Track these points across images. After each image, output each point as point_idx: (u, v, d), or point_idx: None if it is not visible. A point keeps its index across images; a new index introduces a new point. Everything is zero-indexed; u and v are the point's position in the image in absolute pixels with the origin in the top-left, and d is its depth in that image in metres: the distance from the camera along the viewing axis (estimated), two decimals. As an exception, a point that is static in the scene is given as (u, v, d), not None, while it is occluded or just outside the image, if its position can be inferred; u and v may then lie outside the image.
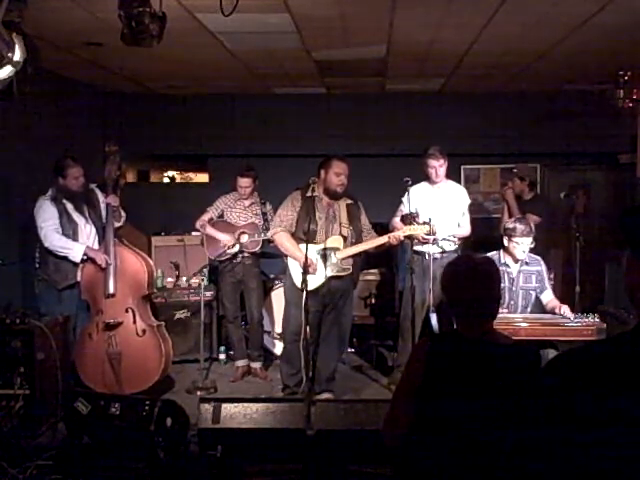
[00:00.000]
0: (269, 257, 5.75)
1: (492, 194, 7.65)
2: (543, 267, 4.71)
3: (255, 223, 5.53)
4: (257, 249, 5.50)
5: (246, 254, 5.53)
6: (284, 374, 4.94)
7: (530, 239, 4.59)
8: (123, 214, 5.16)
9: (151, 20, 3.22)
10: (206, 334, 5.83)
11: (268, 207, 5.58)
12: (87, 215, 5.05)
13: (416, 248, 5.10)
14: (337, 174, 4.69)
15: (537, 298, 4.68)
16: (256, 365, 5.72)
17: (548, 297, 4.65)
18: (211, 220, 5.62)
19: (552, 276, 5.61)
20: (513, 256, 4.61)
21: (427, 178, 5.26)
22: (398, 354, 5.37)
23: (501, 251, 4.69)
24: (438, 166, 5.12)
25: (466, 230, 5.32)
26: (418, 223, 4.90)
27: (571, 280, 5.54)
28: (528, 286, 4.66)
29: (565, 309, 4.50)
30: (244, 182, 5.50)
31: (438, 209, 5.16)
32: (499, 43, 5.00)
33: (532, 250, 4.77)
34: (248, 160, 6.09)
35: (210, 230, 5.57)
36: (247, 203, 5.60)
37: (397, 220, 5.25)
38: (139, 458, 3.64)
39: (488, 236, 6.19)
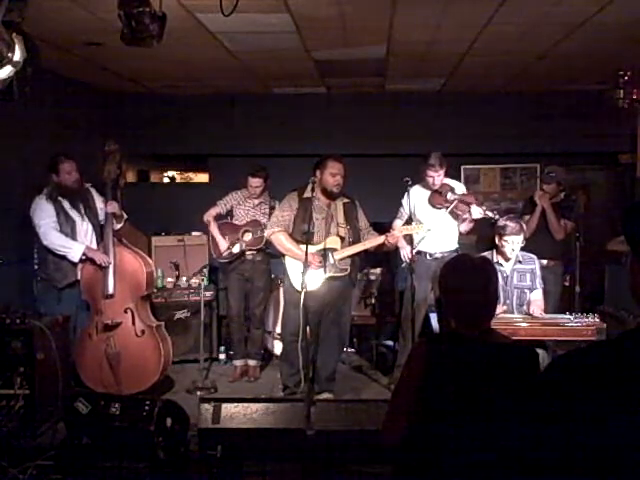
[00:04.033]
0: (272, 257, 5.75)
1: (492, 194, 7.65)
2: (537, 265, 4.71)
3: (258, 220, 5.53)
4: (261, 245, 5.50)
5: (254, 251, 5.53)
6: (284, 374, 4.94)
7: (521, 237, 4.59)
8: (125, 216, 5.18)
9: (151, 20, 3.22)
10: (206, 334, 5.83)
11: (277, 204, 5.58)
12: (83, 213, 5.07)
13: (416, 248, 5.10)
14: (333, 174, 4.68)
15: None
16: (252, 363, 5.73)
17: (534, 297, 4.65)
18: (219, 215, 5.63)
19: (568, 278, 5.58)
20: (504, 255, 4.62)
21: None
22: (398, 354, 5.37)
23: (494, 250, 4.70)
24: (436, 175, 5.10)
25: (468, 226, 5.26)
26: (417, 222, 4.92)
27: (571, 280, 5.54)
28: (522, 285, 4.66)
29: (534, 308, 4.51)
30: (255, 182, 5.50)
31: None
32: (499, 43, 4.99)
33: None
34: (248, 160, 6.09)
35: (213, 228, 5.58)
36: (256, 202, 5.61)
37: (397, 222, 5.25)
38: (139, 458, 3.64)
39: (487, 236, 6.18)
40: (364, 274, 6.19)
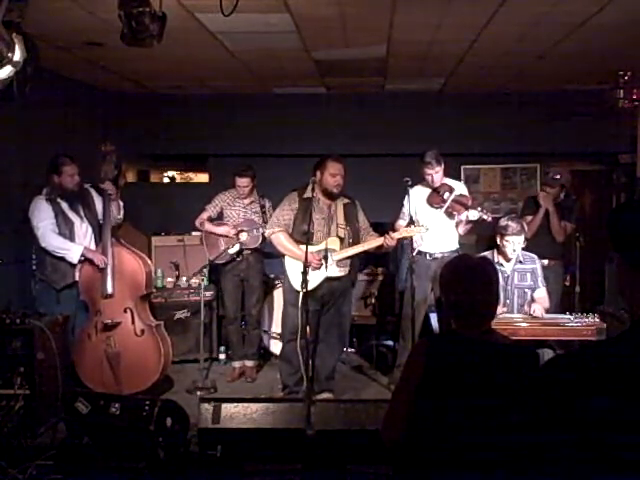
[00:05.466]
0: (270, 257, 5.75)
1: (492, 194, 7.65)
2: (538, 265, 4.72)
3: (252, 219, 5.54)
4: (258, 244, 5.51)
5: (250, 251, 5.54)
6: (283, 374, 4.94)
7: (522, 238, 4.60)
8: (121, 203, 5.15)
9: (151, 20, 3.22)
10: (206, 334, 5.83)
11: (267, 203, 5.59)
12: (82, 214, 5.05)
13: (417, 247, 5.11)
14: (333, 175, 4.68)
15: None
16: (249, 364, 5.73)
17: (537, 295, 4.65)
18: (210, 218, 5.64)
19: (568, 277, 5.58)
20: (505, 255, 4.61)
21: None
22: (398, 354, 5.37)
23: (494, 250, 4.70)
24: (434, 173, 5.10)
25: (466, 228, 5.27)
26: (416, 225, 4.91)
27: (571, 280, 5.54)
28: (523, 284, 4.66)
29: (535, 307, 4.50)
30: (242, 182, 5.51)
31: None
32: (499, 43, 5.00)
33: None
34: (248, 160, 6.09)
35: (209, 226, 5.59)
36: (247, 202, 5.61)
37: (400, 222, 5.25)
38: (139, 458, 3.64)
39: (487, 236, 6.18)
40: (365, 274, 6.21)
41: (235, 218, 5.59)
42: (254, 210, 5.61)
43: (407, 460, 2.22)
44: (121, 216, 5.17)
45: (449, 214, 5.09)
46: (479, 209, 4.99)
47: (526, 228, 4.79)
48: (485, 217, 4.94)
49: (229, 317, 5.74)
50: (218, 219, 5.69)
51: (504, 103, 7.24)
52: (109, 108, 7.18)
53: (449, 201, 5.03)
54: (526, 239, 4.70)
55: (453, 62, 5.74)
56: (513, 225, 4.57)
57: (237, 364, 5.76)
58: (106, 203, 4.99)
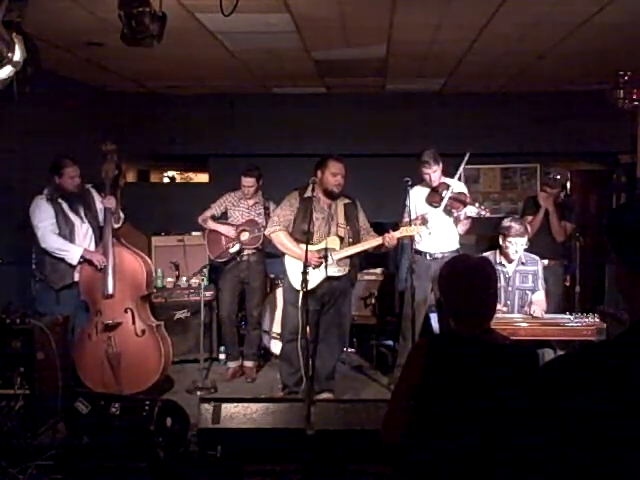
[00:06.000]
0: (270, 257, 5.75)
1: (492, 194, 7.65)
2: (540, 267, 4.71)
3: (254, 219, 5.55)
4: (259, 244, 5.51)
5: (250, 251, 5.54)
6: (283, 374, 4.95)
7: (524, 239, 4.59)
8: (122, 215, 5.16)
9: (151, 20, 3.22)
10: (206, 334, 5.83)
11: (272, 205, 5.60)
12: (83, 215, 5.06)
13: (417, 248, 5.10)
14: (334, 174, 4.68)
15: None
16: (248, 364, 5.73)
17: (536, 297, 4.65)
18: (213, 217, 5.65)
19: (568, 278, 5.59)
20: (507, 256, 4.61)
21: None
22: (398, 354, 5.37)
23: (497, 251, 4.69)
24: (432, 172, 5.10)
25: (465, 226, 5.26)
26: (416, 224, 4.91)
27: (571, 280, 5.54)
28: (524, 286, 4.65)
29: (535, 308, 4.50)
30: (247, 182, 5.52)
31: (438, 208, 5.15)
32: (499, 43, 4.99)
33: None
34: (248, 160, 6.09)
35: (212, 224, 5.59)
36: (251, 202, 5.62)
37: (406, 221, 5.24)
38: (139, 458, 3.64)
39: (487, 236, 6.18)
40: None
41: (238, 218, 5.60)
42: (258, 211, 5.61)
43: (407, 460, 2.22)
44: (119, 224, 5.16)
45: (448, 211, 5.09)
46: (477, 205, 5.00)
47: (529, 229, 4.79)
48: (483, 213, 4.94)
49: (223, 317, 5.74)
50: (222, 219, 5.70)
51: (504, 103, 7.24)
52: (109, 108, 7.17)
53: (446, 198, 5.03)
54: (528, 240, 4.70)
55: (453, 62, 5.74)
56: (516, 226, 4.56)
57: (232, 364, 5.77)
58: (107, 217, 4.99)
